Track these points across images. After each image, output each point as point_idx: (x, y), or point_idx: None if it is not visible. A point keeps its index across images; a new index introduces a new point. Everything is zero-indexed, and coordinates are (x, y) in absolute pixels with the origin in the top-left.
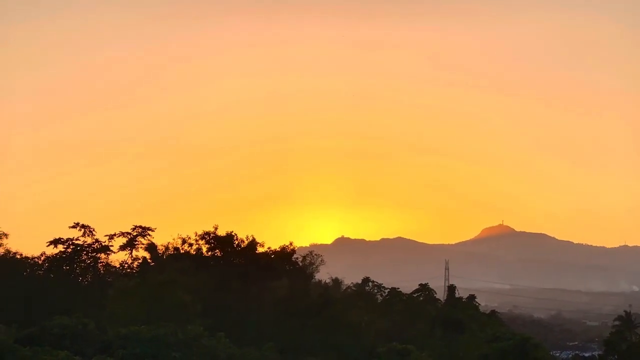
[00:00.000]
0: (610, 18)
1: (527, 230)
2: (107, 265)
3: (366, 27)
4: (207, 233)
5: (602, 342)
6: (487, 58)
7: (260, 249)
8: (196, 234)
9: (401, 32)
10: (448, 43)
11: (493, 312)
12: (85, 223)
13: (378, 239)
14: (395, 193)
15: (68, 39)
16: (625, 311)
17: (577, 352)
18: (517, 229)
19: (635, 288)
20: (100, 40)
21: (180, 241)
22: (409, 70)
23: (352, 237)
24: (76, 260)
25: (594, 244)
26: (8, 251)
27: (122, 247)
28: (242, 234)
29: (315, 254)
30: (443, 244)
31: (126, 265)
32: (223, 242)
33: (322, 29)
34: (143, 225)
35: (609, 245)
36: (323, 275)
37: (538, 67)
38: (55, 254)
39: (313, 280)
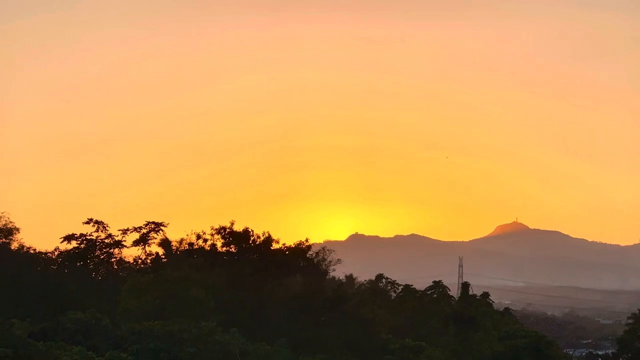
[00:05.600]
0: (624, 15)
1: (541, 228)
2: (121, 261)
3: (378, 24)
4: (223, 228)
5: (615, 340)
6: (499, 55)
7: (275, 245)
8: (212, 228)
9: (413, 28)
10: (461, 39)
11: (507, 309)
12: (99, 219)
13: (392, 235)
14: (410, 190)
15: (82, 37)
16: (639, 309)
17: (590, 350)
18: (531, 227)
19: None
20: (116, 37)
21: (194, 237)
22: (422, 67)
23: (366, 233)
24: (90, 256)
25: (608, 242)
26: (22, 246)
27: (136, 243)
28: (258, 230)
29: (328, 250)
30: (457, 241)
31: (140, 260)
32: (239, 238)
33: (334, 25)
34: (155, 221)
35: (623, 243)
36: (337, 271)
37: (551, 64)
38: (69, 249)
39: (327, 277)
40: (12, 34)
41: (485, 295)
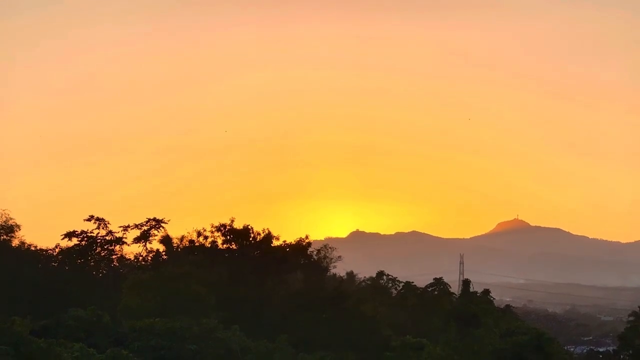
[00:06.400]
0: (624, 12)
1: (542, 225)
2: (122, 258)
3: (378, 22)
4: (223, 225)
5: (616, 337)
6: (500, 52)
7: (275, 242)
8: (212, 225)
9: (413, 26)
10: (461, 37)
11: (508, 306)
12: (100, 216)
13: (393, 232)
14: (410, 187)
15: (81, 35)
16: (639, 306)
17: (591, 347)
18: (532, 224)
19: None
20: (115, 35)
21: (195, 234)
22: (423, 65)
23: (367, 230)
24: (90, 253)
25: (608, 239)
26: (23, 243)
27: (137, 240)
28: (258, 227)
29: (330, 248)
30: (458, 238)
31: (141, 257)
32: (239, 235)
33: (335, 24)
34: (156, 218)
35: (624, 240)
36: (338, 268)
37: (552, 62)
38: (70, 246)
39: (328, 274)
40: (12, 31)
41: (486, 292)
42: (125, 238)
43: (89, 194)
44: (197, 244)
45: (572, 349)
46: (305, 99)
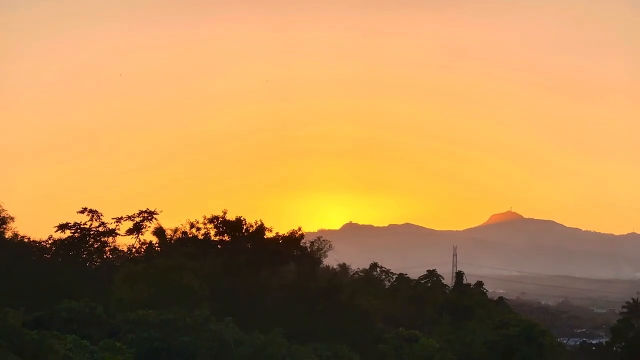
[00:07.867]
0: (625, 7)
1: (535, 217)
2: (115, 250)
3: (376, 15)
4: (216, 217)
5: (609, 329)
6: (495, 46)
7: (268, 234)
8: (205, 217)
9: (411, 20)
10: (457, 31)
11: (501, 298)
12: (94, 208)
13: (386, 224)
14: (404, 179)
15: (77, 31)
16: (632, 299)
17: (584, 339)
18: (525, 216)
19: None
20: (112, 30)
21: (188, 225)
22: (417, 58)
23: (360, 222)
24: (83, 245)
25: (602, 231)
26: (16, 235)
27: (129, 231)
28: (251, 219)
29: (324, 240)
30: (451, 230)
31: (134, 249)
32: (232, 227)
33: (333, 17)
34: (149, 210)
35: (617, 233)
36: (331, 260)
37: (546, 55)
38: (63, 238)
39: (321, 266)
40: (11, 26)
41: (479, 284)
42: (118, 230)
43: (82, 186)
44: (190, 235)
45: (565, 341)
46: (299, 92)
